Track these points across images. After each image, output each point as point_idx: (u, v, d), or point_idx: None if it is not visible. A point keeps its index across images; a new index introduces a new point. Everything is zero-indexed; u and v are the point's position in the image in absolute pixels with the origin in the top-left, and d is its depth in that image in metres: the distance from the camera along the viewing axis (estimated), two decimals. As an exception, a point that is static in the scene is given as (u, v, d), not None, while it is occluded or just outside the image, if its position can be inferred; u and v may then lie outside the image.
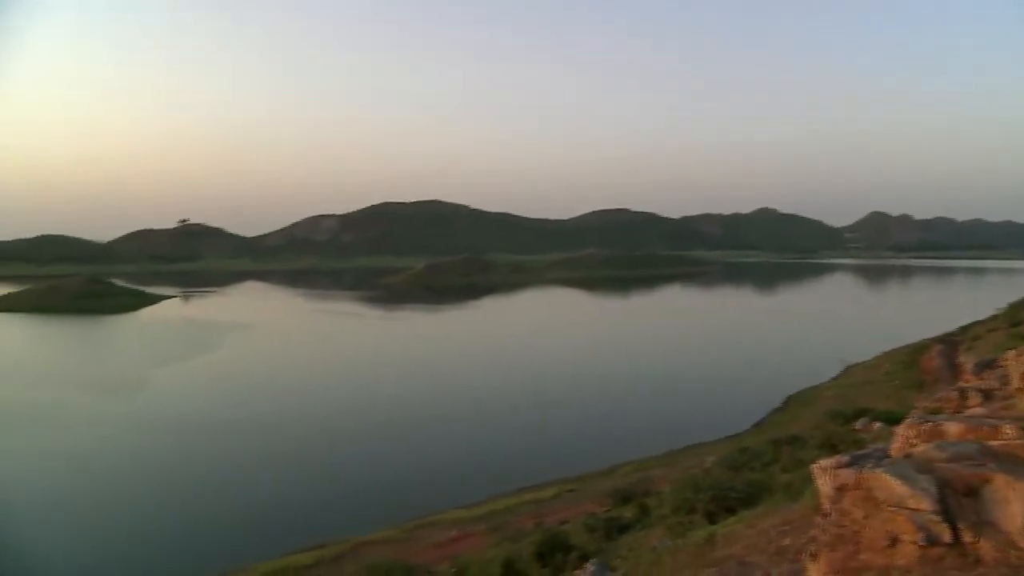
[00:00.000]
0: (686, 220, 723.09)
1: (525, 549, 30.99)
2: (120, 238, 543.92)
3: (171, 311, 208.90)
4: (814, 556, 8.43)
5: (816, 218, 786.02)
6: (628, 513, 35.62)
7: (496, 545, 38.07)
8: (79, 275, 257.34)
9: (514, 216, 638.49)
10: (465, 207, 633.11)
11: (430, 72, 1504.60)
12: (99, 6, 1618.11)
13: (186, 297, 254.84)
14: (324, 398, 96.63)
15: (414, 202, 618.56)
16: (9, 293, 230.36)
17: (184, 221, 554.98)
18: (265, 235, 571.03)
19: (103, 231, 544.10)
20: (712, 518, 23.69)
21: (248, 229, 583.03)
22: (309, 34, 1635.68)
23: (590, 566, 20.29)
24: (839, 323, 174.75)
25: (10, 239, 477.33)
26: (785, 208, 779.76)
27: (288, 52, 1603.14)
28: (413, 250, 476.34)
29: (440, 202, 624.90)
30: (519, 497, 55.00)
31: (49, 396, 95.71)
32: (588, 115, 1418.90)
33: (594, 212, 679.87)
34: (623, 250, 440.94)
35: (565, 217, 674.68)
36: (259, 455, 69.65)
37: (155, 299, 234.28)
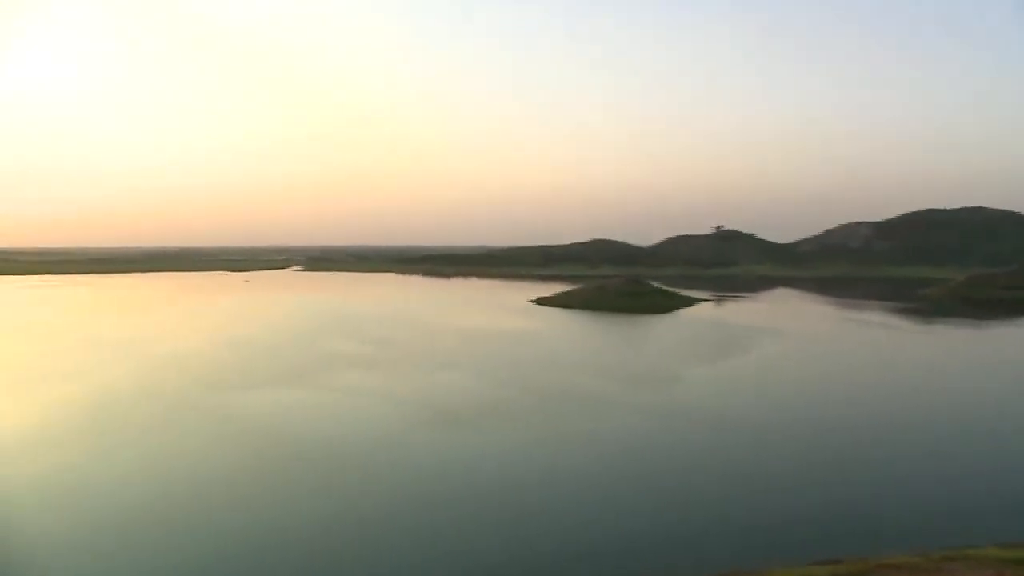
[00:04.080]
0: None
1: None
2: (661, 243, 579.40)
3: (703, 313, 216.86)
4: None
5: None
6: None
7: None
8: (622, 276, 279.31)
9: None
10: (1016, 213, 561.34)
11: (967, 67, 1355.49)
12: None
13: (718, 301, 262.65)
14: (850, 408, 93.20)
15: (956, 208, 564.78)
16: (567, 291, 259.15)
17: (719, 227, 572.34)
18: (797, 241, 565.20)
19: (647, 236, 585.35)
20: None
21: (780, 235, 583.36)
22: (845, 39, 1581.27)
23: None
24: None
25: (569, 243, 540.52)
26: None
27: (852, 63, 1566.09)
28: (953, 260, 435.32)
29: (985, 208, 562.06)
30: (1078, 543, 48.21)
31: (593, 385, 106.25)
32: None
33: None
34: None
35: None
36: (782, 459, 69.86)
37: (689, 301, 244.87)
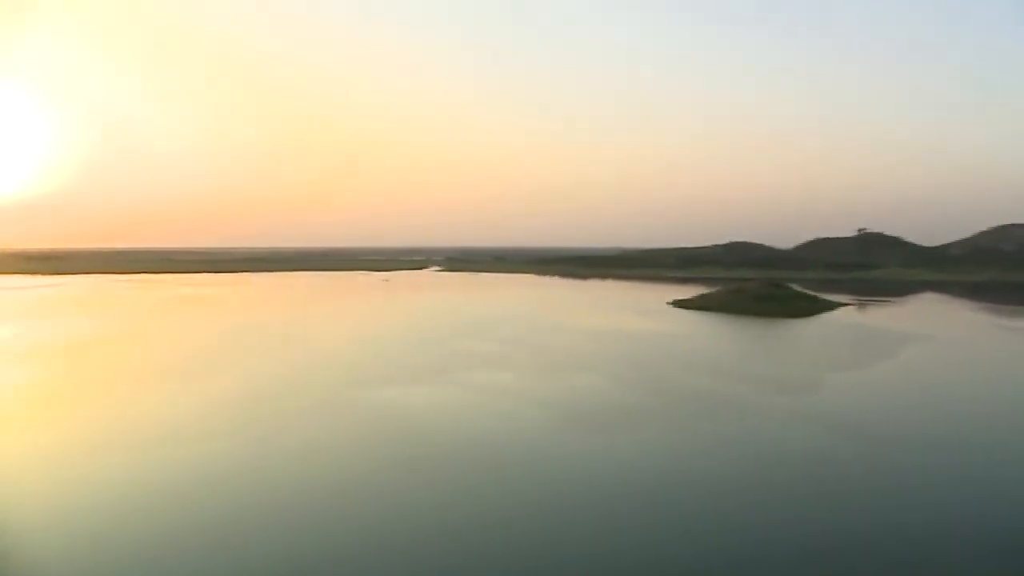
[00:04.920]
0: None
1: None
2: (801, 245, 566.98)
3: (845, 318, 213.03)
4: None
5: None
6: None
7: None
8: (760, 279, 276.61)
9: None
10: None
11: None
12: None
13: (861, 305, 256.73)
14: (1001, 420, 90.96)
15: None
16: (704, 294, 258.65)
17: (862, 230, 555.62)
18: (946, 245, 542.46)
19: (787, 238, 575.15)
20: None
21: (927, 238, 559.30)
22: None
23: None
24: None
25: (707, 245, 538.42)
26: None
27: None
28: None
29: None
30: None
31: (729, 388, 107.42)
32: None
33: None
34: None
35: None
36: (925, 471, 68.42)
37: (830, 305, 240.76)
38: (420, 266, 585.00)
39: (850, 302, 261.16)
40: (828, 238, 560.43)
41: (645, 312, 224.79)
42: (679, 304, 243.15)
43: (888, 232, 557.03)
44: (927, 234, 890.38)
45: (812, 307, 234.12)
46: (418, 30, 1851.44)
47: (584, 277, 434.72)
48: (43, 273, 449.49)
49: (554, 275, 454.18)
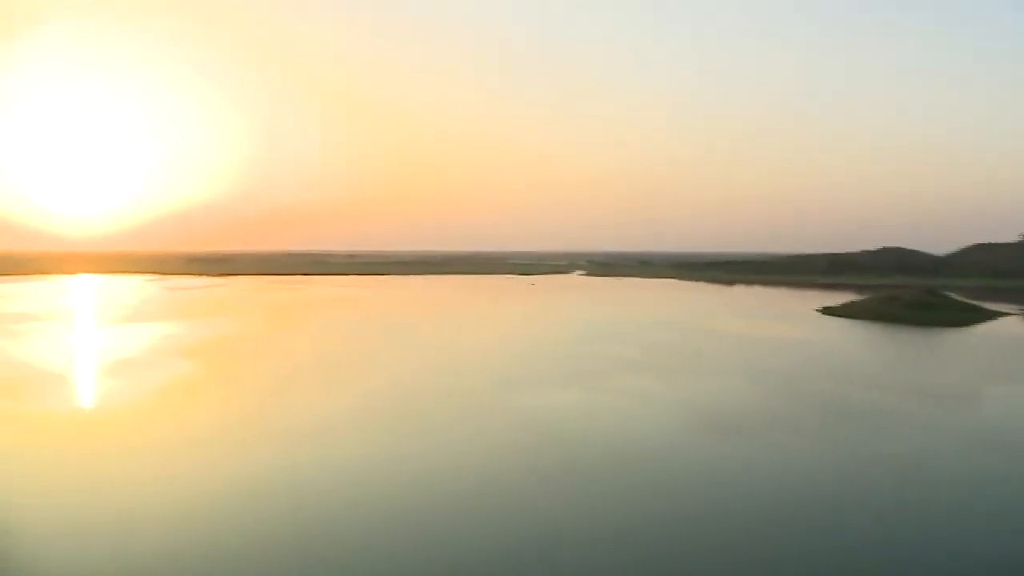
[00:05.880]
0: None
1: None
2: (958, 251, 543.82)
3: (1006, 329, 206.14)
4: None
5: None
6: None
7: None
8: (914, 286, 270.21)
9: None
10: None
11: None
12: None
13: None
14: None
15: None
16: (855, 301, 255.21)
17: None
18: None
19: (943, 243, 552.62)
20: None
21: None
22: None
23: None
24: None
25: (856, 251, 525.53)
26: None
27: None
28: None
29: None
30: None
31: (881, 400, 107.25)
32: None
33: None
34: None
35: None
36: None
37: (990, 315, 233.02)
38: (564, 270, 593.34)
39: (1013, 312, 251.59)
40: (988, 244, 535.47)
41: (792, 319, 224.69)
42: (828, 311, 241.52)
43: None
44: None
45: (970, 317, 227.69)
46: (570, 37, 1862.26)
47: (729, 283, 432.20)
48: (208, 274, 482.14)
49: (699, 280, 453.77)
